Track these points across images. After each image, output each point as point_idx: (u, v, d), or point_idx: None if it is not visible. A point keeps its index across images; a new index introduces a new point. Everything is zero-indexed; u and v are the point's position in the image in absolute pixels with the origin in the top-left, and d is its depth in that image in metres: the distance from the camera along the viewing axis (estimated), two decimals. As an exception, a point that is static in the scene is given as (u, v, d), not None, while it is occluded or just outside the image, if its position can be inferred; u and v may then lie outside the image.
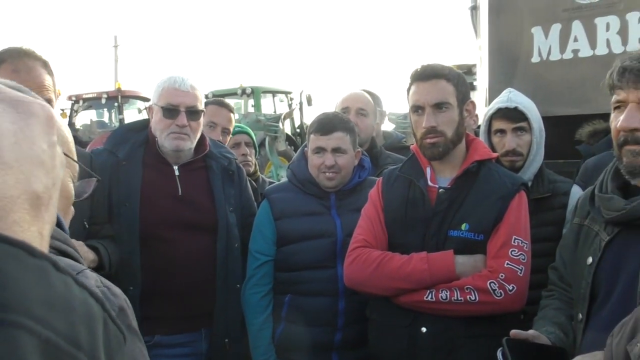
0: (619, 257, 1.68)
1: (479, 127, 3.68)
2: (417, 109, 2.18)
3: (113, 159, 2.52)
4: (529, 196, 2.24)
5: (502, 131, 2.64)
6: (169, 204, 2.52)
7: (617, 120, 1.66)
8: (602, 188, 1.78)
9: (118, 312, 0.90)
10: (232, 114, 3.43)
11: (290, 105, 15.98)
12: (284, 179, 2.82)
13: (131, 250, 2.44)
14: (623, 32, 4.01)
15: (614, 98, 1.69)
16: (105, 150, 2.57)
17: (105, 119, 16.62)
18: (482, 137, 2.70)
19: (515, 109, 2.60)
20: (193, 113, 2.52)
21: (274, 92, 16.45)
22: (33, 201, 0.64)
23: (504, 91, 2.75)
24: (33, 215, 0.64)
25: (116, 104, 15.42)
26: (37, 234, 0.64)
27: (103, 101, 15.54)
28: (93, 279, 0.87)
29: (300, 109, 15.15)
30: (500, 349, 1.66)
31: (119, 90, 15.58)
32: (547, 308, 1.96)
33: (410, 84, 2.22)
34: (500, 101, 2.67)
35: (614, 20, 4.05)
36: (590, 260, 1.75)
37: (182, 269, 2.47)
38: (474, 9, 5.28)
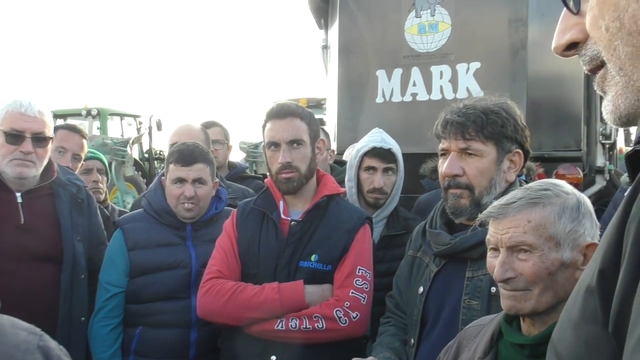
0: (445, 286, 1.88)
1: (335, 162, 3.90)
2: (272, 145, 2.29)
3: None
4: (372, 229, 2.42)
5: (373, 168, 2.78)
6: (9, 233, 2.37)
7: (442, 167, 1.88)
8: (432, 224, 1.99)
9: None
10: (84, 140, 3.30)
11: (139, 130, 15.42)
12: (130, 205, 2.77)
13: None
14: (454, 81, 4.48)
15: (440, 146, 1.91)
16: None
17: None
18: (350, 171, 2.84)
19: (389, 150, 2.77)
20: (40, 140, 2.42)
21: (121, 115, 15.74)
22: None
23: (375, 130, 2.89)
24: None
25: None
26: None
27: None
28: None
29: (150, 133, 14.68)
30: None
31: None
32: (384, 334, 2.11)
33: (266, 121, 2.32)
34: (375, 140, 2.79)
35: (446, 70, 4.52)
36: (421, 289, 1.93)
37: (20, 301, 2.32)
38: (325, 48, 5.59)
